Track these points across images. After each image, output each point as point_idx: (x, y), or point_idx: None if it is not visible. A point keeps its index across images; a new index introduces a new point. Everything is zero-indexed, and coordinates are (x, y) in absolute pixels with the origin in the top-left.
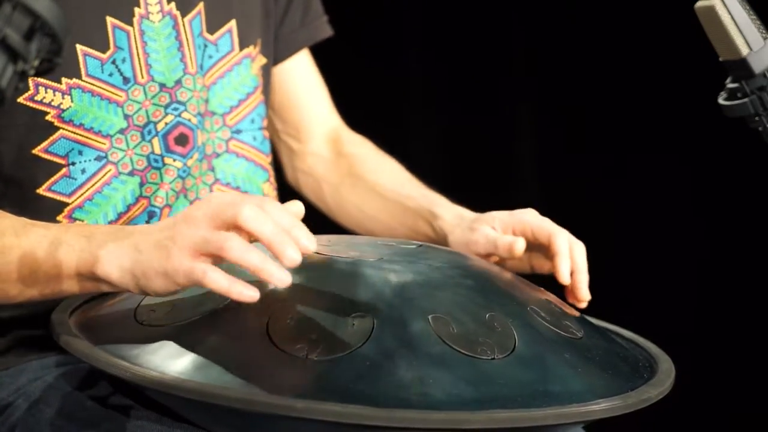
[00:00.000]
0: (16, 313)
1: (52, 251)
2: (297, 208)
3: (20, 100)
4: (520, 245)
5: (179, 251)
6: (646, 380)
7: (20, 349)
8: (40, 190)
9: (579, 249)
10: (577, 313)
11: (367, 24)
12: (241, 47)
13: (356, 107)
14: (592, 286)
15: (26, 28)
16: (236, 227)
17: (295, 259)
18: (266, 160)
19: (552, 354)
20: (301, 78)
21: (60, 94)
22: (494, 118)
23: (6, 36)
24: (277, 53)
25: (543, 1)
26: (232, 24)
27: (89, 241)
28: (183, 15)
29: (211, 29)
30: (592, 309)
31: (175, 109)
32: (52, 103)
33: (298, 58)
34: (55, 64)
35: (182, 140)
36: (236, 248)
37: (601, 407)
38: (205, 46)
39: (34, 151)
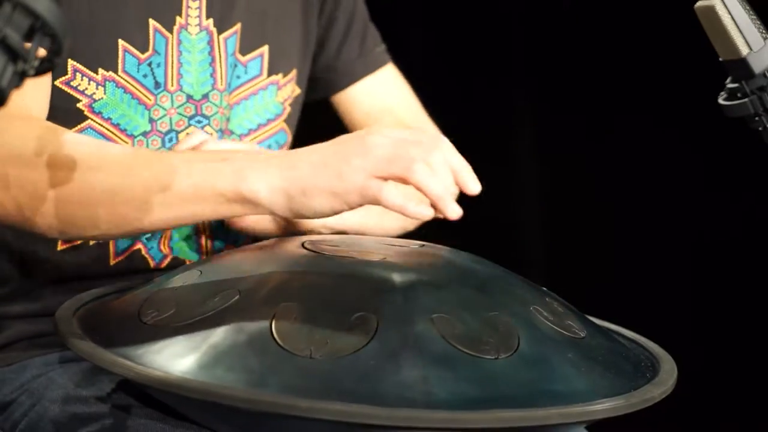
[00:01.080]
0: (20, 309)
1: (186, 171)
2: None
3: (57, 83)
4: None
5: (354, 170)
6: (648, 380)
7: (23, 344)
8: None
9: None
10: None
11: None
12: (270, 73)
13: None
14: (595, 287)
15: (26, 28)
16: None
17: (459, 213)
18: None
19: (555, 353)
20: (361, 104)
21: (95, 84)
22: (494, 118)
23: (6, 36)
24: (335, 82)
25: (543, 1)
26: (265, 49)
27: (229, 163)
28: (219, 32)
29: (244, 51)
30: (593, 309)
31: (199, 121)
32: (86, 92)
33: (358, 88)
34: (56, 64)
35: None
36: (422, 171)
37: (604, 407)
38: (235, 65)
39: None
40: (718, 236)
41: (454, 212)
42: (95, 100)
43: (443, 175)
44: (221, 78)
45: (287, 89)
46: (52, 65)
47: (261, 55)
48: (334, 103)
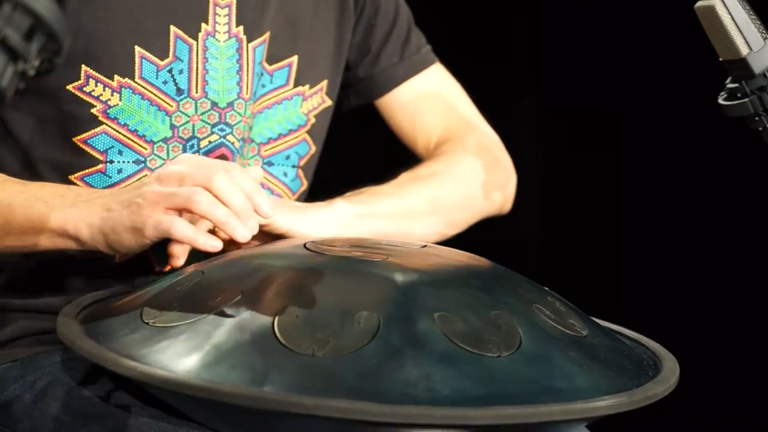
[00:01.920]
0: (24, 305)
1: (27, 206)
2: (256, 173)
3: (69, 87)
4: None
5: (148, 205)
6: (650, 378)
7: (27, 340)
8: (72, 177)
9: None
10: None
11: None
12: (296, 84)
13: (356, 109)
14: (595, 287)
15: (26, 28)
16: (206, 190)
17: (255, 229)
18: (292, 198)
19: (557, 352)
20: (404, 107)
21: (110, 90)
22: (495, 118)
23: (6, 36)
24: (377, 88)
25: (546, 1)
26: (293, 60)
27: (63, 200)
28: (249, 40)
29: (271, 60)
30: (594, 309)
31: (222, 130)
32: (101, 98)
33: (400, 91)
34: (56, 64)
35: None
36: (204, 201)
37: (606, 403)
38: (262, 74)
39: (75, 140)
40: (719, 235)
41: (242, 236)
42: (110, 106)
43: (232, 198)
44: (247, 87)
45: (314, 100)
46: (52, 65)
47: (289, 65)
48: (378, 109)
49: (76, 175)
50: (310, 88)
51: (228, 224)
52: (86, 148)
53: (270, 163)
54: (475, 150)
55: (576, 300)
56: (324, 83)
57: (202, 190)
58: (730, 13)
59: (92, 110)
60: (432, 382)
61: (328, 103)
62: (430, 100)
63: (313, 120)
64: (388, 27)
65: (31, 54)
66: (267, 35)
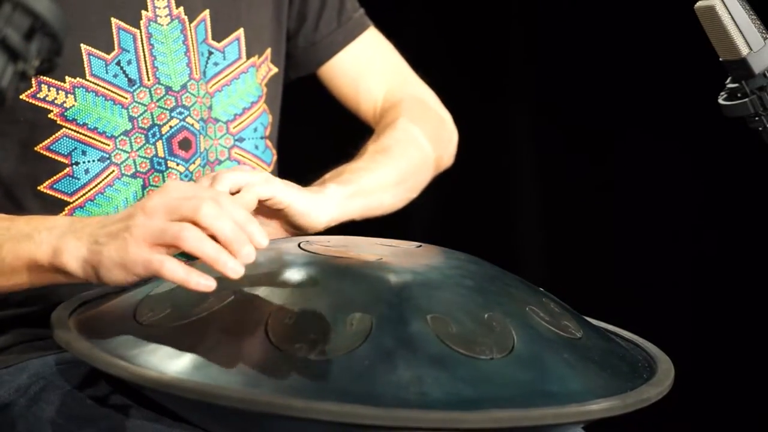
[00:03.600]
0: (17, 311)
1: (15, 244)
2: (249, 198)
3: (23, 97)
4: None
5: (136, 242)
6: (645, 380)
7: (21, 347)
8: (42, 188)
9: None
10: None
11: None
12: (248, 56)
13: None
14: (593, 287)
15: (26, 28)
16: (193, 222)
17: (251, 256)
18: (267, 170)
19: (551, 354)
20: (346, 73)
21: (63, 92)
22: (494, 119)
23: (6, 36)
24: (318, 56)
25: (543, 1)
26: (240, 32)
27: (50, 233)
28: (190, 21)
29: (218, 37)
30: (591, 309)
31: (180, 113)
32: (56, 102)
33: (340, 57)
34: (55, 64)
35: (185, 145)
36: (192, 238)
37: (600, 407)
38: (210, 53)
39: (37, 149)
40: (717, 236)
41: (233, 271)
42: (66, 108)
43: (222, 228)
44: (196, 67)
45: (263, 69)
46: (52, 65)
47: (237, 38)
48: (320, 77)
49: (45, 184)
50: (259, 57)
51: (218, 261)
52: (50, 155)
53: (241, 139)
54: (422, 111)
55: (572, 300)
56: (268, 51)
57: (190, 226)
58: (730, 13)
59: (50, 115)
60: (424, 384)
61: (275, 70)
62: (370, 63)
63: (265, 89)
64: None
65: (31, 54)
66: (206, 13)
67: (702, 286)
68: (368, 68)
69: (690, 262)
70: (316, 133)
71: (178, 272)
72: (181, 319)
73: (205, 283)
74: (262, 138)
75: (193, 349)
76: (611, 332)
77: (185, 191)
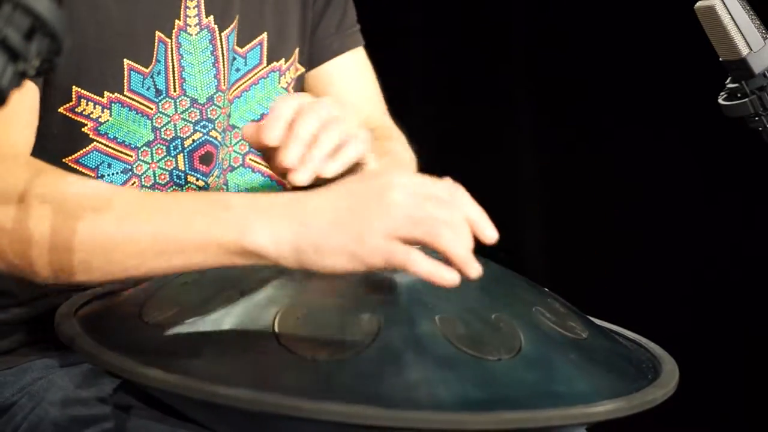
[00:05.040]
0: (21, 313)
1: (186, 221)
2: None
3: (60, 110)
4: None
5: (375, 232)
6: (650, 381)
7: (24, 348)
8: None
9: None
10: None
11: (366, 25)
12: (269, 61)
13: None
14: (596, 287)
15: (26, 28)
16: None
17: (480, 271)
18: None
19: (557, 355)
20: (332, 84)
21: (100, 107)
22: (495, 119)
23: (6, 36)
24: (312, 57)
25: (543, 0)
26: (263, 37)
27: (232, 213)
28: (221, 29)
29: (242, 42)
30: (594, 309)
31: (204, 126)
32: (92, 116)
33: (331, 65)
34: (55, 64)
35: (207, 159)
36: (448, 236)
37: (606, 408)
38: (234, 59)
39: (66, 161)
40: (719, 236)
41: (476, 271)
42: (101, 123)
43: (465, 235)
44: (224, 78)
45: (291, 72)
46: (52, 66)
47: (260, 44)
48: (306, 81)
49: None
50: (286, 61)
51: (467, 263)
52: (78, 167)
53: None
54: (400, 141)
55: (575, 300)
56: (296, 52)
57: (444, 223)
58: (730, 13)
59: (83, 129)
60: (432, 385)
61: (301, 70)
62: (356, 81)
63: (291, 92)
64: None
65: (31, 54)
66: (236, 20)
67: (704, 285)
68: (354, 85)
69: (692, 262)
70: None
71: (424, 265)
72: (188, 318)
73: (451, 277)
74: None
75: (199, 349)
76: (615, 332)
77: (428, 186)
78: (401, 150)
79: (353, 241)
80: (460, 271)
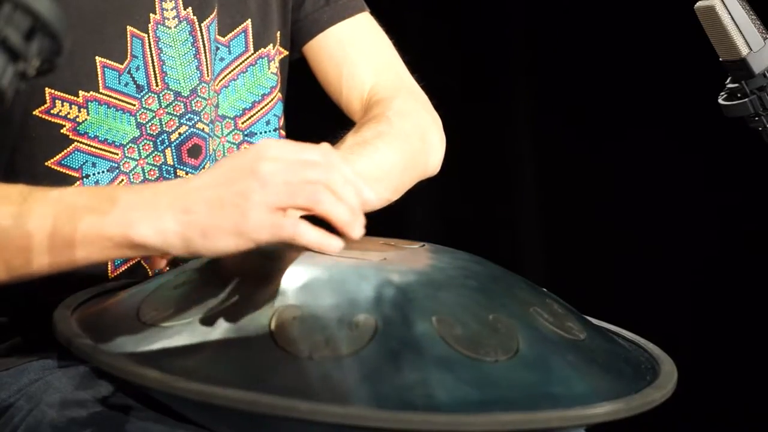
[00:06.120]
0: (18, 314)
1: (69, 216)
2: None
3: (35, 112)
4: None
5: (256, 206)
6: (648, 382)
7: (21, 350)
8: None
9: None
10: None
11: None
12: (256, 48)
13: None
14: (595, 287)
15: (26, 28)
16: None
17: (362, 232)
18: None
19: (555, 356)
20: (331, 54)
21: (77, 107)
22: (494, 119)
23: (6, 36)
24: (303, 34)
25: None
26: (247, 24)
27: (115, 204)
28: (200, 20)
29: (223, 31)
30: (593, 310)
31: (190, 119)
32: (68, 116)
33: (326, 36)
34: (56, 64)
35: (195, 152)
36: (328, 200)
37: (604, 410)
38: (217, 49)
39: (48, 164)
40: (718, 237)
41: (359, 232)
42: (79, 123)
43: (347, 196)
44: (207, 69)
45: (277, 57)
46: (52, 66)
47: (244, 31)
48: (305, 56)
49: None
50: (273, 46)
51: (350, 224)
52: (61, 169)
53: (251, 134)
54: (411, 110)
55: (574, 300)
56: (278, 35)
57: (323, 187)
58: (730, 13)
59: (62, 130)
60: (429, 387)
61: (285, 53)
62: (359, 49)
63: (279, 76)
64: None
65: (31, 54)
66: (216, 9)
67: (703, 285)
68: (356, 53)
69: (691, 262)
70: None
71: (312, 235)
72: (185, 318)
73: (337, 244)
74: (275, 130)
75: (197, 350)
76: (614, 333)
77: (300, 152)
78: (396, 123)
79: (238, 218)
80: (343, 234)
